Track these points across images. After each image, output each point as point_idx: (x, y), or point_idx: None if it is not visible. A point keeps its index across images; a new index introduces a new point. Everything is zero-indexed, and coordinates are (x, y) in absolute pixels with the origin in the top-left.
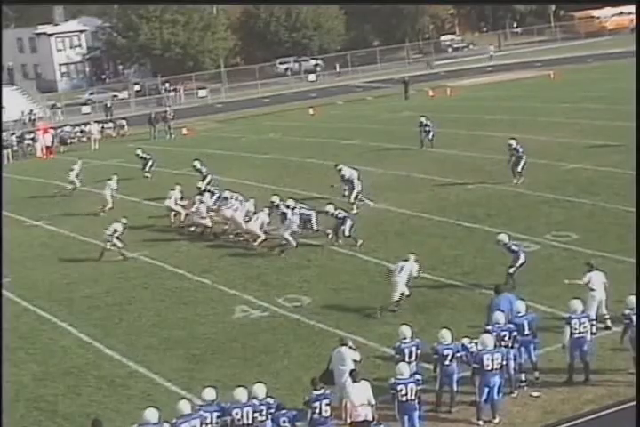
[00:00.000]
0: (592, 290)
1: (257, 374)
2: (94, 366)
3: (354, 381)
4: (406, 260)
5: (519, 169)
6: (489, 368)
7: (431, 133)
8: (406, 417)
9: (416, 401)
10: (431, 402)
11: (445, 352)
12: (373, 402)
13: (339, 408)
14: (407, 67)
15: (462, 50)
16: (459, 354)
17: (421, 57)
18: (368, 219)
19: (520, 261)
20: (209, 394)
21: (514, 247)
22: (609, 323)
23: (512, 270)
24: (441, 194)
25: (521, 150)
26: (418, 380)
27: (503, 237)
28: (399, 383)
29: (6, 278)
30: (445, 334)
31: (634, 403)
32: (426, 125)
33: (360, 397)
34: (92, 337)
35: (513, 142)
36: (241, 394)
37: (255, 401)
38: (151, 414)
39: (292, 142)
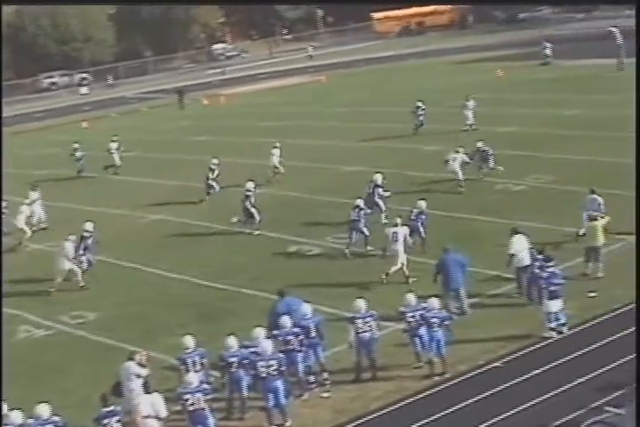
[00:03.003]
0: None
1: (46, 393)
2: None
3: (146, 392)
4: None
5: None
6: (264, 375)
7: (422, 117)
8: None
9: (206, 410)
10: (224, 410)
11: (231, 360)
12: (163, 414)
13: (130, 423)
14: (180, 77)
15: (234, 58)
16: (245, 361)
17: (195, 66)
18: (150, 231)
19: None
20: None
21: None
22: None
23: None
24: (220, 201)
25: None
26: (205, 389)
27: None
28: (186, 393)
29: None
30: (231, 342)
31: (421, 396)
32: (421, 109)
33: (148, 409)
34: None
35: None
36: (15, 417)
37: (31, 421)
38: None
39: (69, 158)
